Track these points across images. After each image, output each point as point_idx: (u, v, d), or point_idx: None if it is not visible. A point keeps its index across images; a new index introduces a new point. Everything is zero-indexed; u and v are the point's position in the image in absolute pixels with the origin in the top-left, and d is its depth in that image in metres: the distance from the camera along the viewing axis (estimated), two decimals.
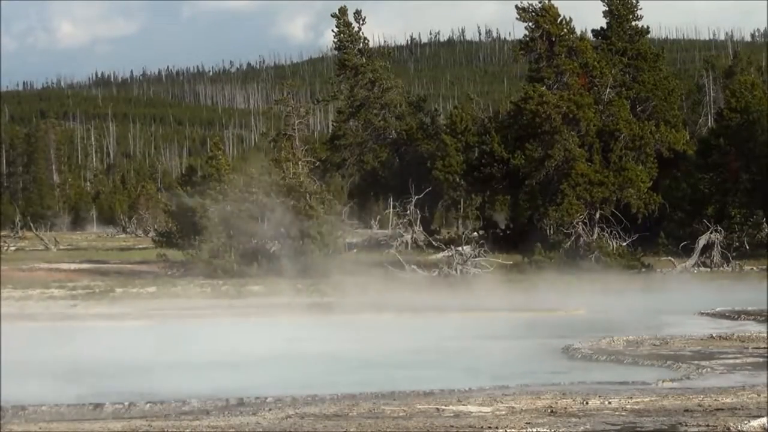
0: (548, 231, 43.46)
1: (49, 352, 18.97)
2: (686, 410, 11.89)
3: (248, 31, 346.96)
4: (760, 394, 12.93)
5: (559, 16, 44.98)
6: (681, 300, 29.91)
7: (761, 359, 17.18)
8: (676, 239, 44.25)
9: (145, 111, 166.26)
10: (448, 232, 57.86)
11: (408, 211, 49.17)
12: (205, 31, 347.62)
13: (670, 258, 42.27)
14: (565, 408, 12.05)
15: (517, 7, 44.91)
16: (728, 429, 10.52)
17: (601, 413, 11.74)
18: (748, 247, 44.02)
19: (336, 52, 56.41)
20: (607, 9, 49.05)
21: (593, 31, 50.40)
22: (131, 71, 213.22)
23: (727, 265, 41.65)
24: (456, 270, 38.88)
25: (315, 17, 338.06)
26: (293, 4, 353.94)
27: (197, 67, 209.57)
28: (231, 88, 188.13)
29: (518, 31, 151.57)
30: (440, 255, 43.19)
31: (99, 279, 36.08)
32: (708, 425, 10.76)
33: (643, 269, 40.79)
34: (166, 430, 11.06)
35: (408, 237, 48.65)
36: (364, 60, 53.60)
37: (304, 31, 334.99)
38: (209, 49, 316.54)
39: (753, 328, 22.13)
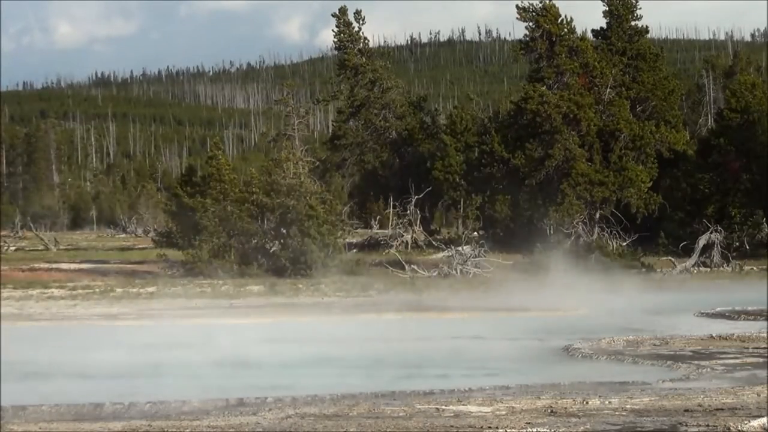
0: (548, 231, 43.44)
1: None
2: (686, 410, 11.88)
3: (245, 31, 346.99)
4: (760, 394, 12.92)
5: (560, 15, 44.97)
6: (681, 300, 29.91)
7: (761, 359, 17.17)
8: (676, 239, 44.25)
9: (145, 111, 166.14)
10: (448, 232, 57.82)
11: (408, 211, 49.14)
12: (204, 30, 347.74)
13: (670, 258, 42.26)
14: (565, 408, 12.04)
15: (517, 6, 44.95)
16: (728, 429, 10.51)
17: (601, 413, 11.73)
18: (748, 247, 44.01)
19: (336, 52, 56.40)
20: (607, 9, 49.00)
21: (593, 31, 50.36)
22: (131, 71, 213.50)
23: (727, 265, 41.64)
24: (456, 270, 38.88)
25: (311, 17, 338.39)
26: (289, 4, 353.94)
27: (197, 67, 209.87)
28: (231, 88, 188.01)
29: (518, 31, 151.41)
30: (440, 255, 43.18)
31: (99, 279, 36.05)
32: (708, 425, 10.74)
33: (643, 269, 40.78)
34: (166, 430, 11.05)
35: (408, 237, 48.62)
36: (364, 60, 53.57)
37: (299, 31, 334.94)
38: (209, 49, 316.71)
39: (753, 328, 22.11)
